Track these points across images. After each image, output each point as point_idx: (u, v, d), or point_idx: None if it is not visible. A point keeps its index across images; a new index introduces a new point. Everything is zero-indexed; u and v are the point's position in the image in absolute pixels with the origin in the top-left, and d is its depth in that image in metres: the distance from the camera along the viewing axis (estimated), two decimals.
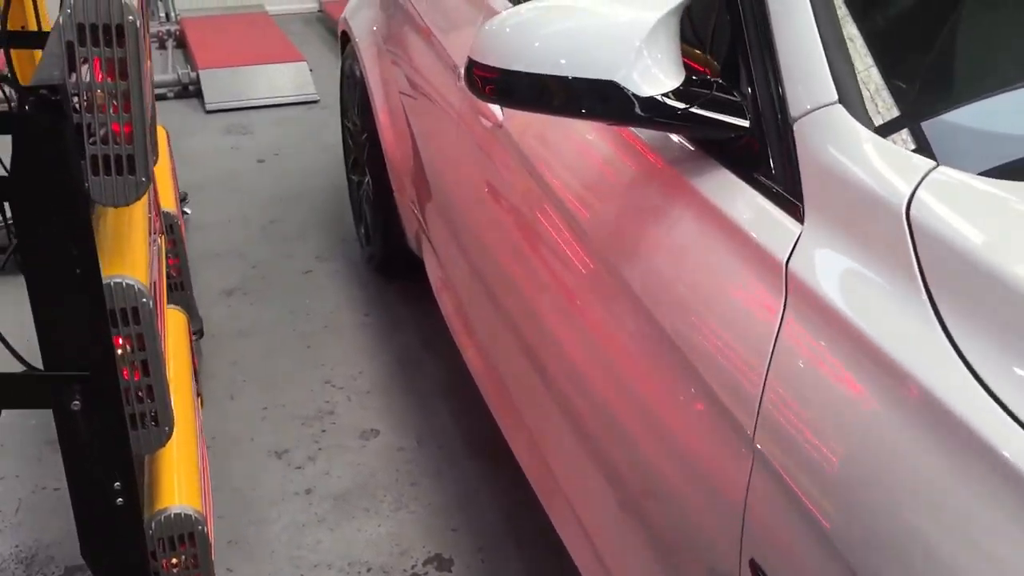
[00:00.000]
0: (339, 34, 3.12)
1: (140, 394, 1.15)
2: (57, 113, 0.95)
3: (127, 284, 1.09)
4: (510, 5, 1.77)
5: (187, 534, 1.25)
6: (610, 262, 1.28)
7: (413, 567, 1.95)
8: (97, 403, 1.09)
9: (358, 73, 2.86)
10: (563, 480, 1.61)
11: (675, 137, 1.21)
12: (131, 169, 1.02)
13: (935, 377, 0.81)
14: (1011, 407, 0.76)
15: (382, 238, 2.94)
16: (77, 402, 1.06)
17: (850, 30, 1.07)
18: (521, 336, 1.68)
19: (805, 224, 1.00)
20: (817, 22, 1.07)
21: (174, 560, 1.25)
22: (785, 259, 0.99)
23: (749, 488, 0.98)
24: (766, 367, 0.96)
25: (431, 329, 2.74)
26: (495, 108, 1.68)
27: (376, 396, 2.49)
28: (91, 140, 0.99)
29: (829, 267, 0.95)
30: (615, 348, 1.28)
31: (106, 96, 0.98)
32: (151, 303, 1.11)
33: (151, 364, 1.14)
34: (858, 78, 1.04)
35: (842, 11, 1.09)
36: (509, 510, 2.08)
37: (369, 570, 1.94)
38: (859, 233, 0.94)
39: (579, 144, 1.43)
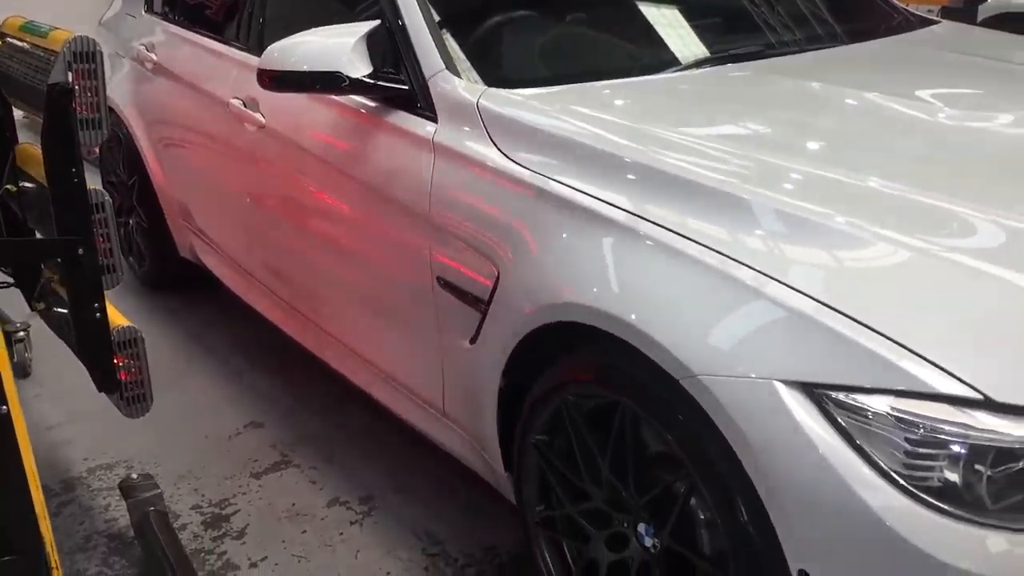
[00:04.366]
0: None
1: (106, 253, 2.05)
2: (68, 96, 1.89)
3: (99, 190, 2.02)
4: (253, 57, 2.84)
5: (131, 339, 2.15)
6: (349, 174, 2.38)
7: (238, 430, 2.89)
8: (88, 255, 1.98)
9: (121, 134, 3.77)
10: (331, 328, 2.67)
11: (371, 100, 2.34)
12: (98, 125, 1.97)
13: (494, 163, 1.99)
14: (528, 166, 1.95)
15: (157, 257, 3.82)
16: (81, 250, 1.96)
17: (448, 39, 2.27)
18: (301, 258, 2.72)
19: (439, 122, 2.16)
20: (432, 36, 2.26)
21: (124, 359, 2.14)
22: (432, 137, 2.14)
23: (431, 240, 2.11)
24: (430, 184, 2.11)
25: (208, 316, 3.67)
26: (257, 115, 2.74)
27: (180, 355, 3.38)
28: (79, 112, 1.93)
29: (449, 136, 2.11)
30: (362, 222, 2.38)
31: (84, 89, 1.92)
32: (111, 201, 2.04)
33: (111, 236, 2.05)
34: (451, 57, 2.23)
35: (443, 27, 2.28)
36: (298, 391, 3.07)
37: (207, 437, 2.85)
38: (459, 119, 2.11)
39: (317, 118, 2.52)
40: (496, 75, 2.24)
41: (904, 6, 2.89)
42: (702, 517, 1.66)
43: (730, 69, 2.34)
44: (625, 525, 1.81)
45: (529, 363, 1.91)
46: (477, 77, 2.20)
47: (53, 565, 1.30)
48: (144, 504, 2.34)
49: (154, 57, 3.50)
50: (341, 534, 2.40)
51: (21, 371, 3.23)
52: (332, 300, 2.65)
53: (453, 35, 2.30)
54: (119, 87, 3.79)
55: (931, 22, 2.83)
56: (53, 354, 2.96)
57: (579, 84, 2.20)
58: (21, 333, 3.22)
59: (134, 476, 2.44)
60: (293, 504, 2.53)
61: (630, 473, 1.73)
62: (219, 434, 2.88)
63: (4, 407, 1.26)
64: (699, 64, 2.36)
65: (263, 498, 2.56)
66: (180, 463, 2.73)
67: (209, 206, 3.30)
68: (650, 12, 2.55)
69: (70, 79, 1.92)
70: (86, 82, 1.95)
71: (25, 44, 2.14)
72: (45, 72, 1.98)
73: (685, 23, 2.49)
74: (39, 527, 1.27)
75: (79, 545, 2.40)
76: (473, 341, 2.04)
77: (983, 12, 5.24)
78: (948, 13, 4.00)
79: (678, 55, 2.39)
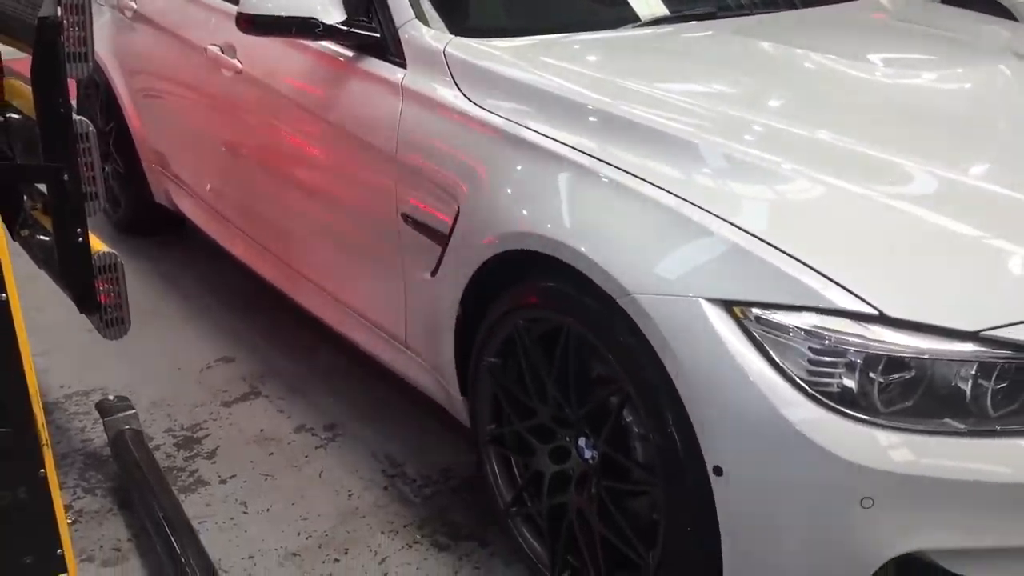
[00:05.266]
0: None
1: (89, 180, 2.17)
2: (55, 29, 2.00)
3: (84, 120, 2.14)
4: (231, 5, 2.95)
5: (111, 264, 2.28)
6: (322, 117, 2.51)
7: (209, 364, 3.03)
8: (72, 180, 2.11)
9: (99, 81, 3.86)
10: (302, 267, 2.81)
11: (344, 47, 2.47)
12: (84, 58, 2.08)
13: (458, 107, 2.13)
14: (491, 110, 2.09)
15: (132, 201, 3.93)
16: (66, 176, 2.08)
17: None
18: (274, 200, 2.85)
19: (407, 68, 2.30)
20: None
21: (104, 283, 2.27)
22: (400, 82, 2.28)
23: (398, 179, 2.25)
24: (398, 126, 2.25)
25: (182, 259, 3.79)
26: (235, 61, 2.85)
27: (154, 295, 3.50)
28: (67, 45, 2.04)
29: (417, 81, 2.25)
30: (334, 163, 2.52)
31: (72, 24, 2.04)
32: (95, 131, 2.16)
33: (95, 164, 2.17)
34: (421, 7, 2.36)
35: None
36: (268, 329, 3.20)
37: (180, 369, 2.99)
38: (427, 64, 2.25)
39: (292, 64, 2.64)
40: (462, 25, 2.37)
41: None
42: (636, 431, 1.82)
43: (687, 28, 2.50)
44: (567, 440, 1.97)
45: (484, 293, 2.07)
46: (444, 26, 2.34)
47: (44, 442, 1.44)
48: (120, 423, 2.48)
49: (134, 5, 3.59)
50: (306, 457, 2.55)
51: None
52: (303, 240, 2.79)
53: None
54: (98, 34, 3.84)
55: None
56: (33, 292, 3.08)
57: (543, 36, 2.34)
58: None
59: (111, 397, 2.58)
60: (261, 430, 2.67)
61: (572, 390, 1.89)
62: (191, 367, 3.01)
63: (4, 295, 1.39)
64: (656, 22, 2.51)
65: (233, 424, 2.70)
66: (153, 392, 2.86)
67: (185, 151, 3.42)
68: None
69: (59, 13, 2.04)
70: (74, 17, 2.07)
71: None
72: (35, 7, 2.09)
73: None
74: (32, 405, 1.41)
75: (56, 462, 2.52)
76: (434, 274, 2.19)
77: None
78: None
79: (637, 12, 2.53)
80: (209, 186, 3.29)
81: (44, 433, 1.44)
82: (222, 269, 3.51)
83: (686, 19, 2.53)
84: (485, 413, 2.13)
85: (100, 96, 3.91)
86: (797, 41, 2.44)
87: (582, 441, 1.93)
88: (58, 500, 1.49)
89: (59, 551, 1.51)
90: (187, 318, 3.33)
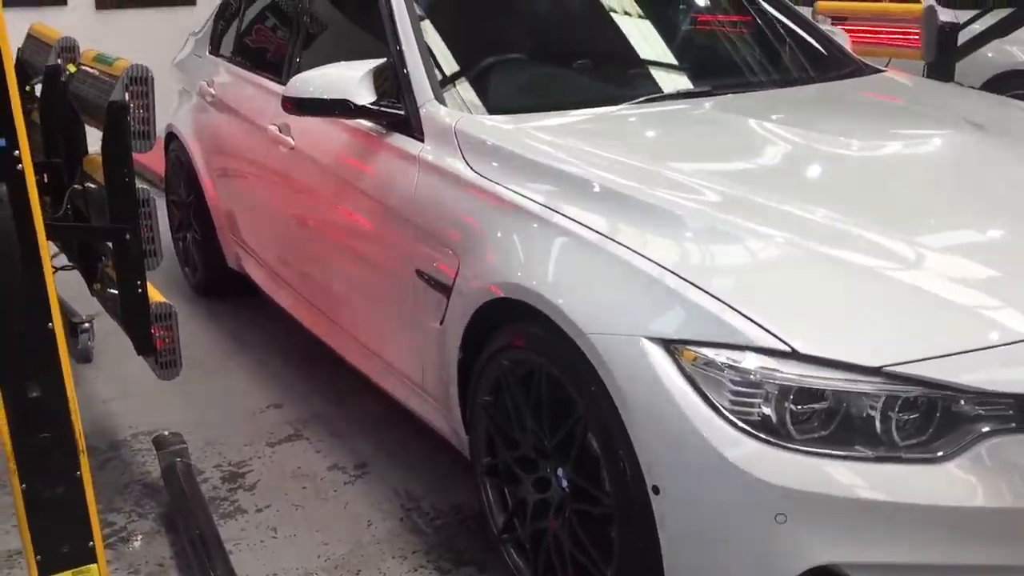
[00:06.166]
0: (166, 133, 4.53)
1: (149, 240, 2.52)
2: (124, 111, 2.38)
3: (146, 189, 2.50)
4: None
5: (167, 313, 2.61)
6: (356, 186, 2.83)
7: (261, 409, 3.33)
8: (134, 240, 2.45)
9: (183, 158, 4.30)
10: (343, 322, 3.10)
11: (376, 124, 2.79)
12: (147, 136, 2.45)
13: (462, 174, 2.41)
14: (488, 177, 2.37)
15: (207, 266, 4.33)
16: (128, 236, 2.43)
17: (440, 72, 2.72)
18: (319, 261, 3.18)
19: (424, 142, 2.60)
20: (426, 72, 2.71)
21: (160, 330, 2.60)
22: (418, 154, 2.58)
23: (413, 240, 2.53)
24: (414, 192, 2.54)
25: (248, 318, 4.15)
26: (289, 138, 3.22)
27: (221, 349, 3.85)
28: (132, 124, 2.42)
29: (432, 152, 2.55)
30: (365, 226, 2.83)
31: (137, 106, 2.41)
32: (155, 199, 2.52)
33: (154, 227, 2.53)
34: (441, 90, 2.68)
35: (440, 60, 2.73)
36: (317, 380, 3.50)
37: (234, 414, 3.30)
38: (440, 139, 2.55)
39: (335, 140, 2.98)
40: (476, 104, 2.67)
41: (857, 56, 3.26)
42: (603, 461, 2.03)
43: (671, 103, 2.75)
44: (548, 470, 2.18)
45: (478, 341, 2.32)
46: (461, 105, 2.64)
47: (80, 448, 1.73)
48: (172, 455, 2.79)
49: (213, 91, 4.03)
50: (335, 491, 2.81)
51: (84, 356, 3.72)
52: (341, 295, 3.09)
53: (443, 72, 2.75)
54: (184, 117, 4.34)
55: (878, 70, 3.20)
56: (113, 345, 3.49)
57: (542, 113, 2.63)
58: (86, 324, 3.72)
59: (166, 433, 2.90)
60: (299, 468, 2.95)
61: (546, 423, 2.11)
62: (244, 412, 3.32)
63: (50, 324, 1.70)
64: (653, 100, 2.77)
65: (274, 462, 2.99)
66: (209, 433, 3.18)
67: (249, 219, 3.79)
68: (613, 55, 2.98)
69: (126, 98, 2.42)
70: (139, 100, 2.44)
71: (95, 71, 2.64)
72: (108, 93, 2.48)
73: (640, 63, 2.91)
74: (71, 416, 1.70)
75: (118, 490, 2.85)
76: (442, 322, 2.45)
77: (987, 69, 5.54)
78: (932, 71, 4.32)
79: (637, 92, 2.80)
80: (267, 249, 3.65)
81: (81, 441, 1.73)
82: (282, 327, 3.84)
83: (674, 97, 2.79)
84: (481, 447, 2.36)
85: (184, 172, 4.35)
86: (775, 117, 2.66)
87: (560, 471, 2.14)
88: (91, 498, 1.77)
89: (91, 543, 1.79)
90: (247, 370, 3.66)
